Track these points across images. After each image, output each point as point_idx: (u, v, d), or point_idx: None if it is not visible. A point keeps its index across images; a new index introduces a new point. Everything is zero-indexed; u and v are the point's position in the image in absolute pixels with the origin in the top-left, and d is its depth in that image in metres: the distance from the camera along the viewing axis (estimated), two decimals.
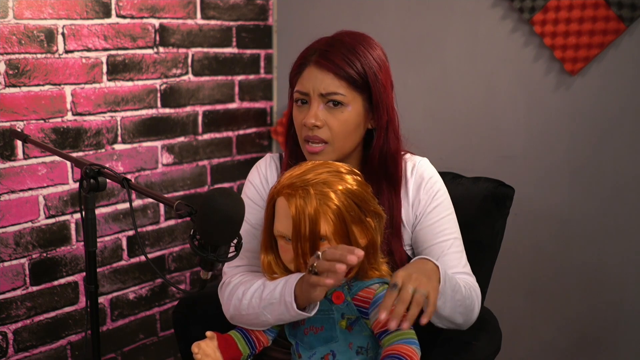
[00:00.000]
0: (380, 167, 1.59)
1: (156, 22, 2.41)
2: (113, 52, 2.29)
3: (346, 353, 1.44)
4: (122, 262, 2.41)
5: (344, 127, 1.54)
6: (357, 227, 1.41)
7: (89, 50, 2.22)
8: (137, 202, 2.43)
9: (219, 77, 2.66)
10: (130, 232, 2.40)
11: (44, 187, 2.14)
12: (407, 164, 1.64)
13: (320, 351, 1.46)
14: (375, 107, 1.56)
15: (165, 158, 2.51)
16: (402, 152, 1.65)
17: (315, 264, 1.31)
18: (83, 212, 1.51)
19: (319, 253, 1.32)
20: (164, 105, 2.48)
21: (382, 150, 1.58)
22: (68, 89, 2.18)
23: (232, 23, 2.68)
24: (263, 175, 1.68)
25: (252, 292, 1.50)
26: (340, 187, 1.39)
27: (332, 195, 1.38)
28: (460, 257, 1.59)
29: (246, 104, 2.79)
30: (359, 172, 1.48)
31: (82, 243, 2.05)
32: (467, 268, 1.60)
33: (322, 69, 1.53)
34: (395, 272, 1.35)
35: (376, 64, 1.55)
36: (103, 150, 2.30)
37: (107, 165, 1.68)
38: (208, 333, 1.49)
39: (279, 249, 1.46)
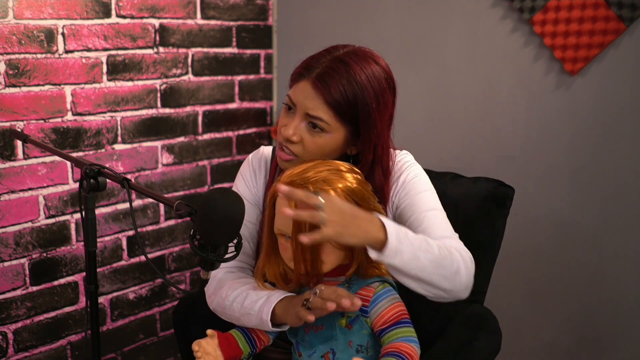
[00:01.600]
0: None
1: (156, 22, 2.41)
2: (113, 52, 2.29)
3: (346, 351, 1.45)
4: (122, 262, 2.41)
5: (318, 150, 1.52)
6: None
7: (89, 50, 2.22)
8: (137, 202, 2.43)
9: (219, 77, 2.66)
10: (130, 232, 2.40)
11: (44, 187, 2.14)
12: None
13: (321, 350, 1.46)
14: (361, 143, 1.53)
15: (165, 158, 2.51)
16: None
17: (310, 300, 1.36)
18: (83, 212, 1.51)
19: (317, 290, 1.37)
20: (164, 105, 2.48)
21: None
22: (68, 89, 2.18)
23: (232, 23, 2.68)
24: (252, 169, 1.70)
25: (235, 297, 1.52)
26: (340, 185, 1.39)
27: (332, 193, 1.38)
28: (439, 225, 1.51)
29: (246, 104, 2.79)
30: (358, 171, 1.47)
31: (82, 243, 2.05)
32: (448, 232, 1.52)
33: (315, 90, 1.49)
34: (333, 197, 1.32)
35: (375, 101, 1.50)
36: (103, 150, 2.30)
37: (107, 165, 1.68)
38: (209, 331, 1.49)
39: (279, 247, 1.46)
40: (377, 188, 1.53)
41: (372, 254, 1.34)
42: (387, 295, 1.45)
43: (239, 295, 1.52)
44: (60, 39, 2.14)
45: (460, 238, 1.64)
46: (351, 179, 1.42)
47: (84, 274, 2.19)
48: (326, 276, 1.44)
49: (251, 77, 2.80)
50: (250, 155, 1.74)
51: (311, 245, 1.36)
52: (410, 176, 1.59)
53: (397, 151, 1.65)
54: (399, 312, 1.44)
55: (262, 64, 2.83)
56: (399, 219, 1.58)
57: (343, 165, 1.45)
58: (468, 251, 1.49)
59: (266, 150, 1.74)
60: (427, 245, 1.38)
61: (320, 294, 1.36)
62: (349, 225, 1.30)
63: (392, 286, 1.48)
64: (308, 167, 1.43)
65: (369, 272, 1.45)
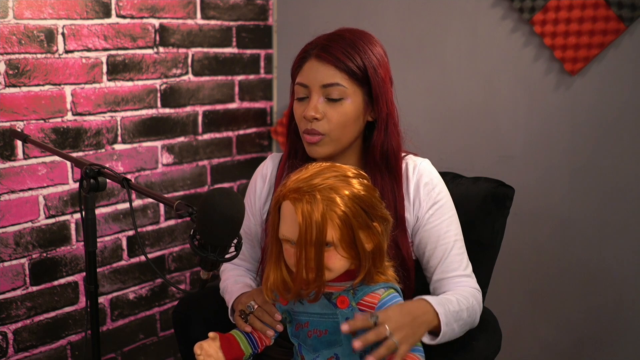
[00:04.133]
0: (382, 161, 1.60)
1: (156, 22, 2.41)
2: (113, 52, 2.29)
3: (350, 357, 1.44)
4: (122, 262, 2.41)
5: (343, 119, 1.57)
6: (364, 233, 1.39)
7: (89, 50, 2.22)
8: (137, 202, 2.43)
9: (219, 77, 2.66)
10: (130, 232, 2.40)
11: (44, 187, 2.14)
12: (409, 164, 1.64)
13: (324, 354, 1.45)
14: (375, 101, 1.59)
15: (165, 158, 2.51)
16: (404, 154, 1.66)
17: (249, 315, 1.53)
18: (83, 212, 1.51)
19: (253, 305, 1.53)
20: (164, 105, 2.48)
21: (384, 145, 1.60)
22: (68, 89, 2.18)
23: (232, 23, 2.68)
24: (261, 181, 1.75)
25: (223, 288, 1.73)
26: (347, 192, 1.37)
27: (339, 200, 1.35)
28: (461, 260, 1.61)
29: (246, 104, 2.79)
30: (366, 175, 1.45)
31: (82, 243, 2.05)
32: (469, 269, 1.63)
33: (322, 61, 1.56)
34: (386, 309, 1.40)
35: (375, 59, 1.58)
36: (103, 150, 2.30)
37: (107, 165, 1.68)
38: (210, 334, 1.49)
39: (284, 252, 1.43)
40: (393, 149, 1.60)
41: (426, 339, 1.45)
42: (392, 302, 1.44)
43: (224, 288, 1.72)
44: (60, 39, 2.14)
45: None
46: (358, 185, 1.40)
47: (84, 274, 2.19)
48: (331, 282, 1.43)
49: (251, 77, 2.80)
50: (258, 168, 1.80)
51: (317, 253, 1.36)
52: (441, 197, 1.63)
53: (420, 158, 1.67)
54: None
55: (262, 64, 2.83)
56: (421, 241, 1.63)
57: (350, 170, 1.43)
58: (479, 289, 1.62)
59: (275, 155, 1.78)
60: (460, 314, 1.51)
61: (256, 312, 1.53)
62: (414, 330, 1.40)
63: (397, 292, 1.47)
64: (315, 172, 1.40)
65: (375, 278, 1.44)
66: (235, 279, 1.72)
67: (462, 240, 1.63)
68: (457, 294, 1.55)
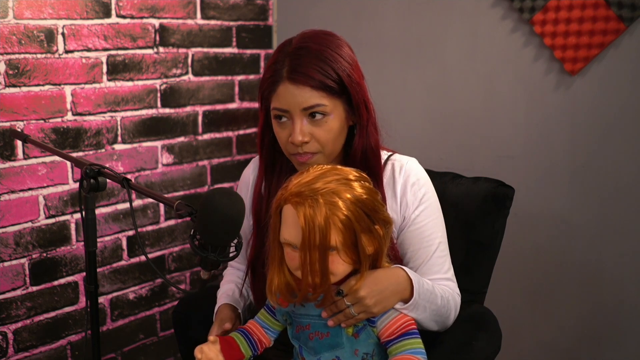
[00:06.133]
0: (362, 161, 1.59)
1: (156, 22, 2.41)
2: (113, 52, 2.29)
3: (352, 359, 1.44)
4: (122, 262, 2.41)
5: (332, 135, 1.55)
6: (366, 236, 1.38)
7: (89, 50, 2.22)
8: (137, 202, 2.43)
9: (219, 77, 2.66)
10: (130, 232, 2.40)
11: (44, 187, 2.14)
12: (395, 164, 1.63)
13: (325, 357, 1.45)
14: (356, 108, 1.56)
15: (165, 158, 2.51)
16: (390, 152, 1.65)
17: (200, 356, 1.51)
18: (83, 212, 1.51)
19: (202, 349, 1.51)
20: (164, 105, 2.48)
21: (364, 146, 1.59)
22: (68, 89, 2.18)
23: (232, 23, 2.68)
24: (245, 187, 1.77)
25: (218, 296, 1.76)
26: (349, 196, 1.36)
27: (342, 204, 1.34)
28: (443, 262, 1.60)
29: (246, 104, 2.79)
30: (367, 178, 1.44)
31: (82, 243, 2.05)
32: (450, 273, 1.61)
33: (297, 84, 1.51)
34: (355, 277, 1.40)
35: (347, 64, 1.54)
36: (103, 150, 2.30)
37: (107, 165, 1.68)
38: (210, 337, 1.49)
39: (285, 256, 1.41)
40: (372, 147, 1.59)
41: (398, 305, 1.45)
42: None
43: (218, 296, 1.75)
44: (60, 39, 2.14)
45: (461, 238, 1.64)
46: (360, 188, 1.39)
47: (84, 274, 2.19)
48: (333, 285, 1.43)
49: (251, 77, 2.80)
50: (243, 172, 1.81)
51: (321, 257, 1.35)
52: (427, 198, 1.61)
53: (406, 157, 1.65)
54: (405, 322, 1.43)
55: (262, 64, 2.83)
56: (404, 241, 1.61)
57: (352, 174, 1.42)
58: (459, 293, 1.62)
59: (253, 164, 1.78)
60: (434, 297, 1.51)
61: (210, 345, 1.52)
62: (384, 298, 1.42)
63: None
64: (316, 176, 1.39)
65: None
66: (223, 290, 1.77)
67: (445, 243, 1.62)
68: (435, 284, 1.55)
